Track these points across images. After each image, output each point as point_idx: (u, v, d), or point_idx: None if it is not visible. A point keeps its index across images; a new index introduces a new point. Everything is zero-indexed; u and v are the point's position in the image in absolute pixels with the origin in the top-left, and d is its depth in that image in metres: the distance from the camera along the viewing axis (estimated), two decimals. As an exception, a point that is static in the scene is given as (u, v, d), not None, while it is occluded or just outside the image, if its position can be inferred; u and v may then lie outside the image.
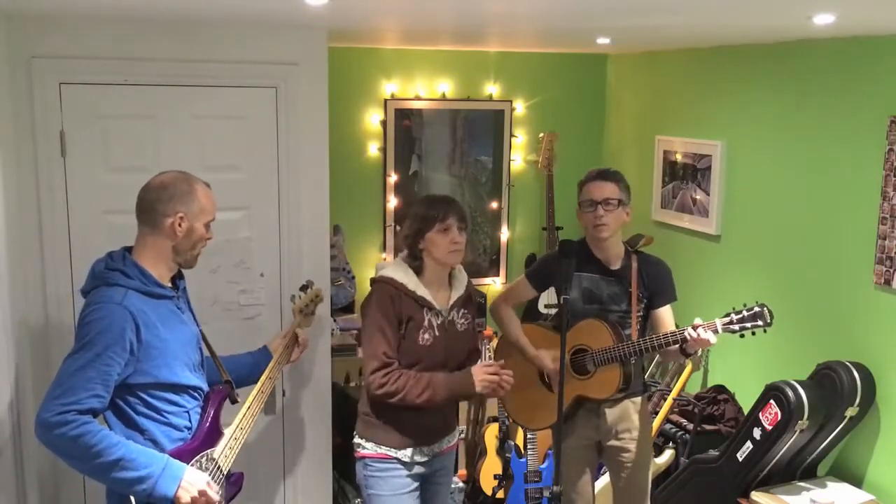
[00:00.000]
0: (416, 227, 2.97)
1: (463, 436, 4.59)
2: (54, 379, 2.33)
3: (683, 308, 3.41)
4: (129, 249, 2.54)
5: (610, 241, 3.23)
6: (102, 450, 2.28)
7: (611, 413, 3.30)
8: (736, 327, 3.00)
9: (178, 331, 2.54)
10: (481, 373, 2.95)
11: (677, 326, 3.22)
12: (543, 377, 3.37)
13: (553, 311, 4.66)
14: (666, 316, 3.30)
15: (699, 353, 3.08)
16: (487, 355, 4.20)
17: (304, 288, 3.25)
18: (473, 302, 3.20)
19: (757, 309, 2.98)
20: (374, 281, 3.02)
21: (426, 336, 2.95)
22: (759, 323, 2.97)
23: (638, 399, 3.35)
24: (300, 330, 3.08)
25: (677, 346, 3.09)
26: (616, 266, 3.26)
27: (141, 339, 2.40)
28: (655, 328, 3.31)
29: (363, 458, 3.03)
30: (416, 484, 3.05)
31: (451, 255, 2.96)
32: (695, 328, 3.01)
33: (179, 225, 2.50)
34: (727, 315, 3.02)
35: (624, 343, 3.15)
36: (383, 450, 2.99)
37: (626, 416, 3.31)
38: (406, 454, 3.00)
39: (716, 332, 3.00)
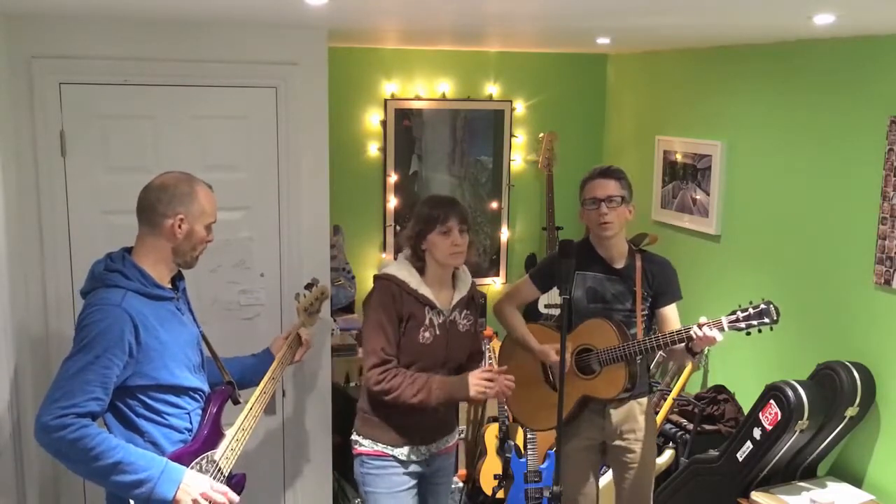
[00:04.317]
0: (418, 228, 2.97)
1: (463, 436, 4.59)
2: (53, 381, 2.32)
3: (684, 308, 3.41)
4: (128, 250, 2.53)
5: (614, 240, 3.22)
6: (101, 453, 2.27)
7: (616, 414, 3.29)
8: (742, 325, 2.97)
9: (178, 332, 2.53)
10: (476, 378, 2.94)
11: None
12: (548, 377, 3.37)
13: (554, 311, 4.66)
14: (672, 315, 3.29)
15: (704, 351, 3.06)
16: (488, 355, 4.20)
17: (309, 286, 3.24)
18: (476, 303, 3.20)
19: (763, 306, 2.95)
20: (376, 278, 3.03)
21: (426, 334, 2.96)
22: (766, 320, 2.94)
23: (643, 400, 3.35)
24: (303, 330, 3.06)
25: (683, 344, 3.08)
26: (620, 265, 3.26)
27: (140, 342, 2.38)
28: (661, 327, 3.30)
29: (360, 454, 3.04)
30: (413, 482, 3.05)
31: (451, 256, 2.96)
32: (700, 326, 3.00)
33: (179, 226, 2.48)
34: (733, 313, 2.99)
35: (629, 342, 3.14)
36: (380, 447, 3.00)
37: (632, 417, 3.31)
38: (403, 452, 3.00)
39: (722, 329, 2.98)
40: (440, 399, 2.92)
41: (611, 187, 3.17)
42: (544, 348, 3.27)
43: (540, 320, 4.36)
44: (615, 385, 3.19)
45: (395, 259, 3.13)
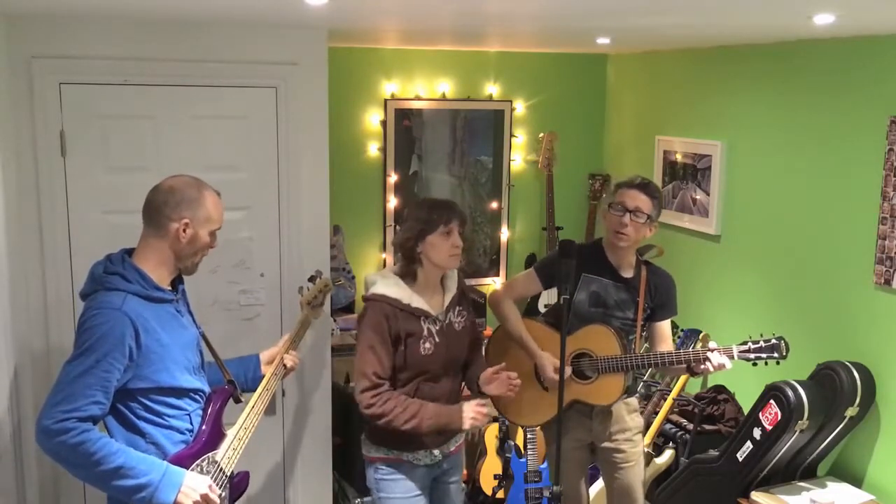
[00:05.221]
0: (419, 229, 2.93)
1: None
2: (54, 384, 2.32)
3: (684, 308, 3.41)
4: (129, 251, 2.52)
5: (626, 249, 3.24)
6: (102, 458, 2.27)
7: (604, 414, 3.30)
8: (751, 356, 3.06)
9: (178, 334, 2.52)
10: (471, 409, 2.91)
11: (679, 329, 3.22)
12: (539, 375, 3.36)
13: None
14: (665, 329, 3.32)
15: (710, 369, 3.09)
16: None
17: (312, 279, 3.24)
18: (467, 297, 3.18)
19: (775, 341, 3.04)
20: (366, 300, 2.97)
21: (427, 346, 2.94)
22: (775, 355, 3.05)
23: (630, 400, 3.36)
24: (289, 357, 2.97)
25: (685, 364, 3.12)
26: (628, 274, 3.27)
27: (140, 345, 2.38)
28: (653, 341, 3.32)
29: (374, 461, 3.02)
30: (427, 486, 3.05)
31: (451, 259, 2.94)
32: (711, 351, 3.04)
33: (184, 231, 2.48)
34: (744, 343, 3.07)
35: (636, 355, 3.15)
36: (395, 453, 2.98)
37: (619, 418, 3.32)
38: (416, 456, 2.99)
39: (731, 357, 3.05)
40: (431, 428, 2.89)
41: (642, 202, 3.18)
42: (543, 361, 3.24)
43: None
44: (612, 394, 3.20)
45: (394, 262, 3.11)
